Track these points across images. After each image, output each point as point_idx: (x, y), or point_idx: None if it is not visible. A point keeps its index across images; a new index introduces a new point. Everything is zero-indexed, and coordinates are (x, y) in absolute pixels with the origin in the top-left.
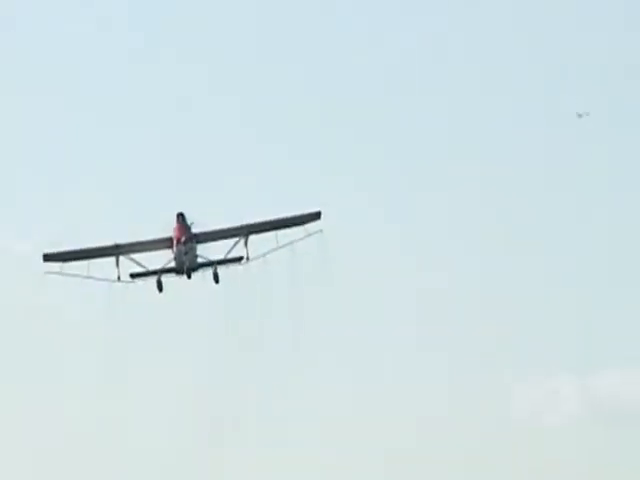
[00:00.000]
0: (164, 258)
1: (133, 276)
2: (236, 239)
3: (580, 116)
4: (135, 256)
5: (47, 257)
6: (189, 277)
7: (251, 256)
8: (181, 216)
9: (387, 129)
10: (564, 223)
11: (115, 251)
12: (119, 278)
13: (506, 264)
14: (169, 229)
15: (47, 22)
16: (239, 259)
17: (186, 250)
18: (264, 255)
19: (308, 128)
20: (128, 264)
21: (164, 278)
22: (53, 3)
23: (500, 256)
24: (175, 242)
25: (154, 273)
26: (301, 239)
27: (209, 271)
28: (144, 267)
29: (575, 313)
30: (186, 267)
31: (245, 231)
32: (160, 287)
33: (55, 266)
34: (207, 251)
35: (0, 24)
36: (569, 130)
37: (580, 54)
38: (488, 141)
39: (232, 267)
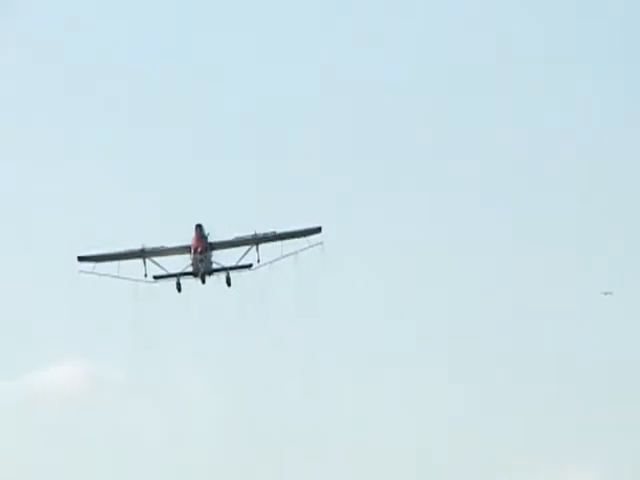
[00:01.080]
0: (184, 263)
1: (156, 277)
2: (246, 248)
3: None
4: (159, 260)
5: (81, 258)
6: (203, 282)
7: (260, 263)
8: (199, 227)
9: (386, 147)
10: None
11: (141, 255)
12: (146, 275)
13: (505, 288)
14: (189, 238)
15: None
16: (249, 266)
17: (201, 258)
18: (271, 262)
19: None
20: (153, 267)
21: (183, 280)
22: None
23: (499, 278)
24: (192, 250)
25: (174, 276)
26: (303, 249)
27: (223, 275)
28: (166, 270)
29: None
30: (201, 272)
31: (254, 241)
32: (179, 288)
33: (89, 266)
34: (221, 257)
35: None
36: None
37: None
38: (486, 159)
39: (242, 272)
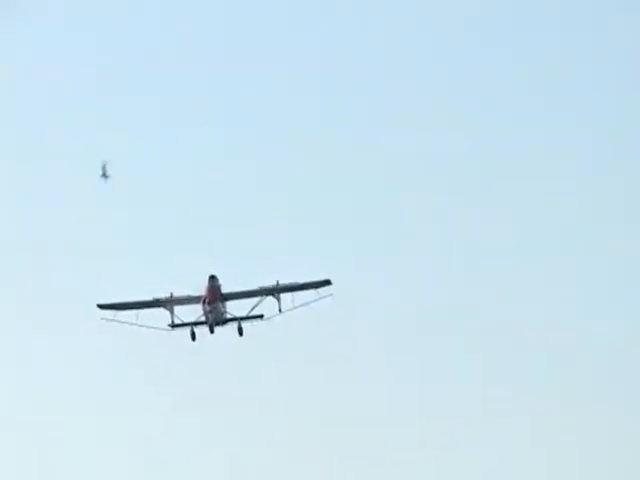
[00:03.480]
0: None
1: (172, 326)
2: (258, 299)
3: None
4: (181, 308)
5: (101, 306)
6: (212, 331)
7: (270, 314)
8: (212, 278)
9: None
10: None
11: (156, 304)
12: (173, 323)
13: (513, 329)
14: (202, 288)
15: None
16: (260, 316)
17: (210, 309)
18: (282, 313)
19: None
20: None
21: (197, 329)
22: None
23: (505, 322)
24: (202, 301)
25: (188, 325)
26: (314, 301)
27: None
28: (181, 319)
29: None
30: (209, 322)
31: (266, 292)
32: (193, 337)
33: (110, 314)
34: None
35: None
36: None
37: None
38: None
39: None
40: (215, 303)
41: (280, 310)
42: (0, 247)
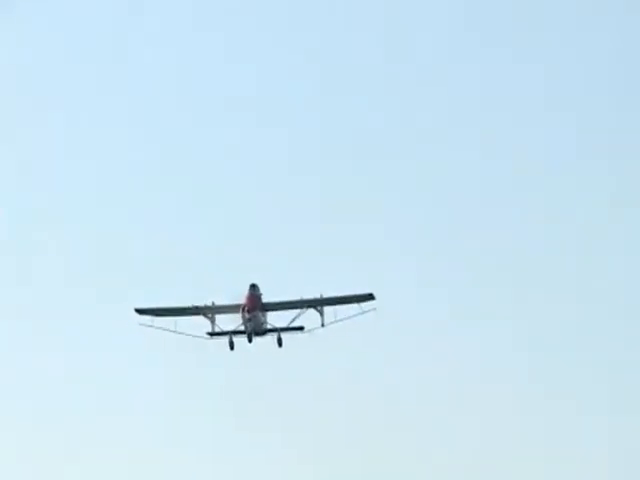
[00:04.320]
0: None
1: (210, 334)
2: (299, 310)
3: None
4: (220, 316)
5: (139, 311)
6: (250, 341)
7: (311, 326)
8: (253, 287)
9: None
10: None
11: (195, 311)
12: (212, 331)
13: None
14: (242, 297)
15: None
16: (301, 328)
17: (249, 318)
18: (324, 326)
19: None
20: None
21: (236, 339)
22: None
23: (552, 335)
24: (241, 310)
25: (227, 333)
26: (356, 315)
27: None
28: (220, 328)
29: None
30: (248, 332)
31: (307, 304)
32: (232, 346)
33: (147, 319)
34: (275, 319)
35: None
36: None
37: None
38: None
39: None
40: (255, 312)
41: (323, 324)
42: (39, 247)
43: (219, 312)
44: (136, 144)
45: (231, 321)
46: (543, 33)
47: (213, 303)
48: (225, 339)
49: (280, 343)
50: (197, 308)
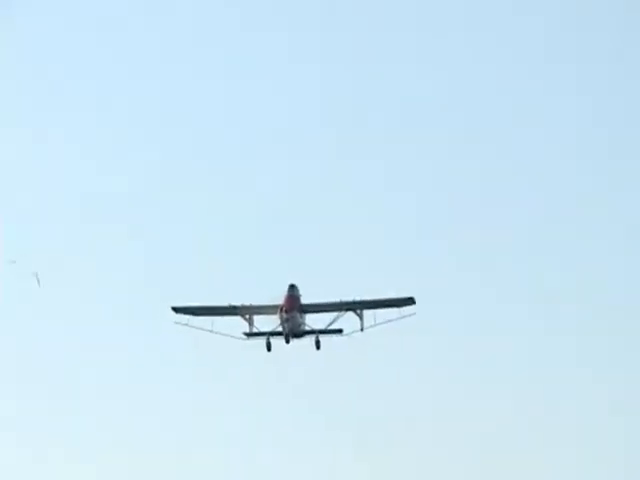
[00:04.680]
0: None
1: (247, 335)
2: (337, 313)
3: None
4: (258, 317)
5: (175, 309)
6: (287, 342)
7: (350, 329)
8: (292, 287)
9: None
10: None
11: (232, 311)
12: (250, 332)
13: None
14: (280, 297)
15: None
16: (339, 331)
17: (287, 318)
18: (363, 330)
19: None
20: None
21: (273, 340)
22: None
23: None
24: (279, 310)
25: (264, 334)
26: (396, 319)
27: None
28: (257, 329)
29: None
30: (285, 332)
31: (346, 307)
32: (269, 347)
33: (183, 318)
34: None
35: None
36: None
37: None
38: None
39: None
40: (293, 312)
41: (362, 329)
42: (78, 240)
43: (257, 312)
44: (169, 141)
45: (269, 322)
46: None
47: (251, 304)
48: (262, 340)
49: (318, 346)
50: (234, 308)
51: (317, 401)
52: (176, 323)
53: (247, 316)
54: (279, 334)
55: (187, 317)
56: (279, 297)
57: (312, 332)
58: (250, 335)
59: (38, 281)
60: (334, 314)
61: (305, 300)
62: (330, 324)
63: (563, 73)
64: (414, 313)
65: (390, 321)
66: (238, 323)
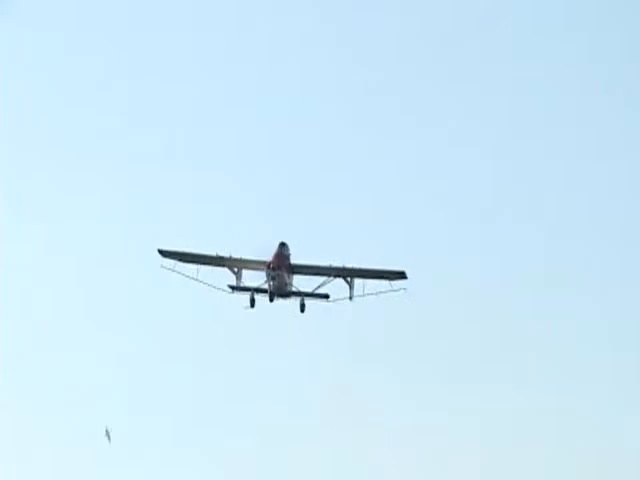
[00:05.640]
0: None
1: (232, 288)
2: (326, 278)
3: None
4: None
5: (162, 252)
6: (271, 300)
7: (337, 296)
8: (283, 245)
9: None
10: None
11: (219, 262)
12: (235, 285)
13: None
14: (270, 254)
15: None
16: (326, 296)
17: (273, 275)
18: (352, 299)
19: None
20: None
21: (258, 296)
22: None
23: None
24: (266, 267)
25: (249, 289)
26: (386, 292)
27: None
28: (243, 283)
29: None
30: (270, 291)
31: (336, 273)
32: (252, 304)
33: (170, 263)
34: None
35: None
36: None
37: None
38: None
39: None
40: (280, 270)
41: (351, 297)
42: (66, 185)
43: (244, 266)
44: None
45: (258, 278)
46: None
47: (240, 257)
48: (246, 295)
49: (303, 309)
50: (222, 258)
51: (294, 365)
52: (162, 267)
53: (235, 269)
54: (264, 291)
55: (174, 262)
56: (268, 253)
57: (298, 294)
58: (235, 289)
59: (109, 437)
60: (323, 278)
61: (295, 260)
62: (317, 288)
63: None
64: (405, 288)
65: (380, 293)
66: (226, 275)
